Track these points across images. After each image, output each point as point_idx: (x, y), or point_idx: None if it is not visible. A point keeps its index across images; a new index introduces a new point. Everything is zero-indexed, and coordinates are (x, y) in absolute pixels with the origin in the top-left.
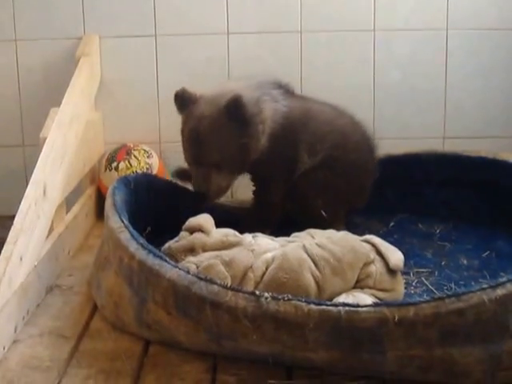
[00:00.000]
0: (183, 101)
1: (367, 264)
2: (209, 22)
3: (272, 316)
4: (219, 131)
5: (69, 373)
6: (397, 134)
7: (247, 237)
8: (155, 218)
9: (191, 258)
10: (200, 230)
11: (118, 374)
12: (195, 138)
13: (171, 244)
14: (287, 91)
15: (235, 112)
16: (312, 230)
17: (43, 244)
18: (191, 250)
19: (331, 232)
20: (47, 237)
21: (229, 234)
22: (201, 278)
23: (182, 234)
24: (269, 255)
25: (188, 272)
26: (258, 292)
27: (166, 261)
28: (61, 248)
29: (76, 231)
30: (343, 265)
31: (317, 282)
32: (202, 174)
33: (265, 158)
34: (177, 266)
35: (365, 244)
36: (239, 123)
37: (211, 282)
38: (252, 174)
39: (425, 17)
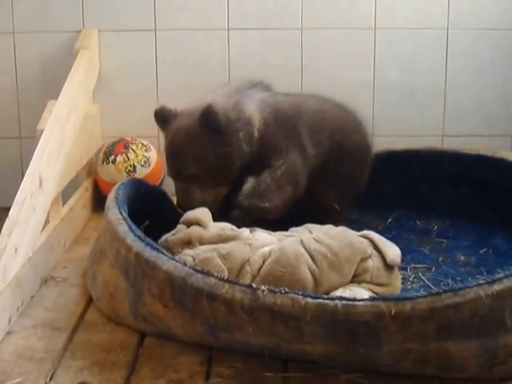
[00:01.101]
0: (163, 118)
1: (364, 259)
2: (209, 17)
3: (268, 308)
4: (194, 143)
5: (63, 364)
6: (396, 131)
7: (244, 231)
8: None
9: (188, 251)
10: (197, 223)
11: (113, 366)
12: (172, 152)
13: (168, 237)
14: (265, 87)
15: (208, 122)
16: (310, 225)
17: (38, 236)
18: (188, 243)
19: (329, 227)
20: (43, 229)
21: (226, 227)
22: (197, 271)
23: (179, 227)
24: (266, 249)
25: (185, 264)
26: (254, 285)
27: (162, 253)
28: (56, 240)
29: (72, 223)
30: (340, 259)
31: (314, 276)
32: (183, 189)
33: (261, 153)
34: (174, 259)
35: (362, 239)
36: (214, 133)
37: (208, 274)
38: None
39: (425, 16)
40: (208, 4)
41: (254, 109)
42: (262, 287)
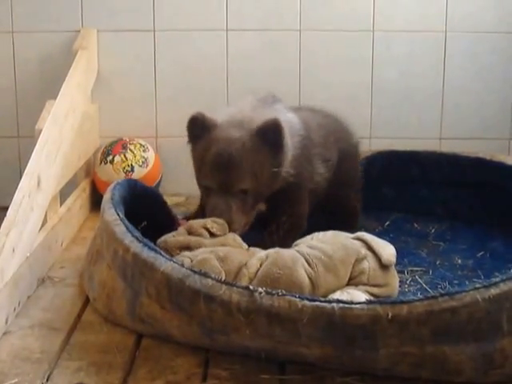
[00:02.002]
0: (203, 126)
1: (359, 260)
2: (208, 18)
3: (265, 311)
4: (253, 156)
5: (60, 365)
6: (394, 134)
7: (245, 245)
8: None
9: (186, 253)
10: (200, 235)
11: (110, 367)
12: (225, 163)
13: (167, 238)
14: (279, 101)
15: (273, 137)
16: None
17: (36, 236)
18: (187, 247)
19: (322, 233)
20: (40, 228)
21: (228, 237)
22: (195, 272)
23: (181, 230)
24: (263, 253)
25: (182, 265)
26: (252, 287)
27: (160, 254)
28: (54, 240)
29: (69, 223)
30: (335, 261)
31: (310, 279)
32: (227, 203)
33: (290, 179)
34: (171, 260)
35: (355, 241)
36: (275, 148)
37: (205, 275)
38: (272, 196)
39: (424, 19)
40: (207, 5)
41: (288, 131)
42: (260, 289)
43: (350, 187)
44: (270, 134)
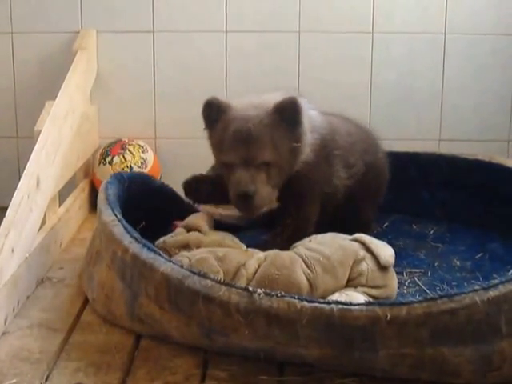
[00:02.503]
0: (218, 108)
1: (358, 262)
2: (207, 19)
3: (264, 312)
4: (272, 131)
5: (58, 365)
6: (393, 135)
7: (243, 245)
8: (146, 218)
9: (184, 252)
10: (197, 229)
11: (109, 368)
12: (245, 137)
13: (166, 239)
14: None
15: (290, 113)
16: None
17: (35, 236)
18: (186, 247)
19: (320, 235)
20: (39, 229)
21: (226, 237)
22: (194, 273)
23: (179, 230)
24: (261, 254)
25: (181, 266)
26: (251, 288)
27: (159, 254)
28: (53, 240)
29: (68, 224)
30: (333, 262)
31: (308, 280)
32: (251, 175)
33: (303, 172)
34: (170, 260)
35: (354, 242)
36: (292, 125)
37: (205, 276)
38: (283, 192)
39: (423, 20)
40: (206, 6)
41: (310, 124)
42: (259, 290)
43: (370, 200)
44: (287, 111)
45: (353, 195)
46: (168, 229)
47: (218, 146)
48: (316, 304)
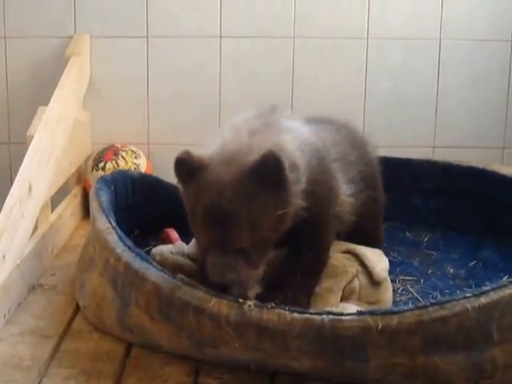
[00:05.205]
0: (191, 168)
1: (349, 281)
2: (202, 24)
3: (255, 324)
4: (249, 203)
5: (49, 373)
6: (387, 142)
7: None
8: (137, 216)
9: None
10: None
11: (100, 375)
12: (217, 217)
13: (164, 252)
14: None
15: (271, 175)
16: None
17: (27, 243)
18: (180, 269)
19: None
20: (31, 235)
21: None
22: (185, 283)
23: (179, 245)
24: None
25: (173, 277)
26: (241, 299)
27: (152, 264)
28: (44, 247)
29: (60, 231)
30: (323, 292)
31: None
32: (227, 262)
33: (302, 219)
34: (162, 271)
35: (347, 256)
36: (275, 189)
37: (196, 287)
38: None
39: (418, 26)
40: (200, 11)
41: (295, 147)
42: (249, 302)
43: (377, 216)
44: (266, 173)
45: (359, 213)
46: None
47: (190, 215)
48: (307, 315)
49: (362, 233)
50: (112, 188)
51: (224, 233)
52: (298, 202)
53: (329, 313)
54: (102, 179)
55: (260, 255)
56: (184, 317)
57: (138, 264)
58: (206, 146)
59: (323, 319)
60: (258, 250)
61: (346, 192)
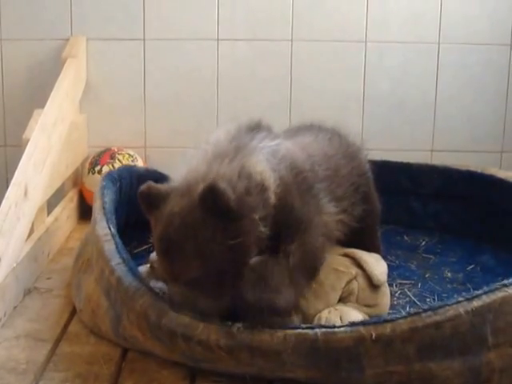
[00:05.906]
0: (152, 200)
1: (349, 281)
2: (199, 27)
3: (247, 345)
4: (196, 235)
5: (45, 376)
6: (385, 145)
7: None
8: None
9: None
10: None
11: (96, 379)
12: (167, 249)
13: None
14: (267, 130)
15: (213, 205)
16: None
17: (23, 246)
18: None
19: None
20: (27, 239)
21: None
22: (172, 307)
23: None
24: None
25: (162, 297)
26: (230, 322)
27: (142, 282)
28: (40, 250)
29: (56, 234)
30: (326, 288)
31: (302, 311)
32: (181, 293)
33: (278, 223)
34: (152, 289)
35: (346, 261)
36: (222, 219)
37: (182, 313)
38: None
39: (417, 30)
40: (198, 14)
41: (264, 167)
42: (237, 324)
43: (375, 225)
44: (211, 203)
45: (353, 228)
46: None
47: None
48: (299, 330)
49: (358, 244)
50: (118, 185)
51: (173, 264)
52: (259, 229)
53: (321, 326)
54: (109, 175)
55: (219, 285)
56: (173, 341)
57: (129, 281)
58: (178, 170)
59: (316, 333)
60: (214, 280)
61: (331, 211)
